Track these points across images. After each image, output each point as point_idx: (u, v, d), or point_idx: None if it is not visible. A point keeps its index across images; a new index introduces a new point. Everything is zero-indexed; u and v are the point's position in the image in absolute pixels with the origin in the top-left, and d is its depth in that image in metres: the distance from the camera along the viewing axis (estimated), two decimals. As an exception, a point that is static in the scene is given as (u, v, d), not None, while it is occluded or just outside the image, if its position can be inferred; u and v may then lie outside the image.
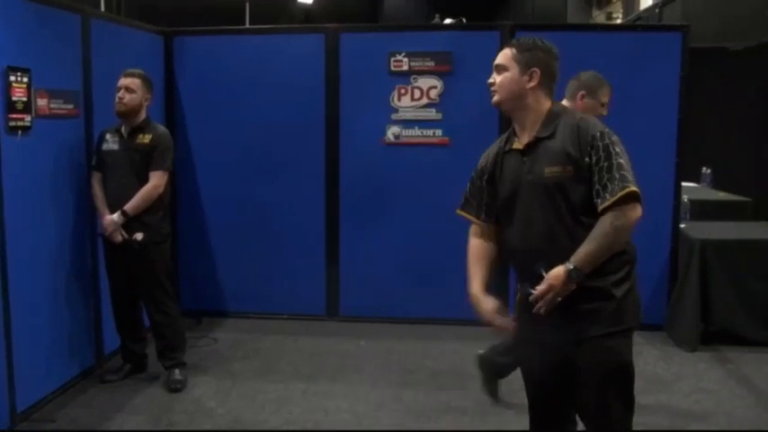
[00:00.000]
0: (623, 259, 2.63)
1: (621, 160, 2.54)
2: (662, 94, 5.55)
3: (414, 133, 5.80)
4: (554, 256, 2.56)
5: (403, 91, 5.77)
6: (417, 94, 5.77)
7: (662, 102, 5.55)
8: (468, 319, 6.04)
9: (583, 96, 3.98)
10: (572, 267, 2.50)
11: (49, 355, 4.36)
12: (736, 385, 4.68)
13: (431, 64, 5.74)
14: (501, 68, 2.73)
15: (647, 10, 11.99)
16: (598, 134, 2.57)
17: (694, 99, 5.74)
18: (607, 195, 2.51)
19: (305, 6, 18.63)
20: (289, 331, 5.77)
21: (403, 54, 5.75)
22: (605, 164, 2.53)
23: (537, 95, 2.70)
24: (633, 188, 2.50)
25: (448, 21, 7.04)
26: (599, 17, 16.80)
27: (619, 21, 15.06)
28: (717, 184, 7.75)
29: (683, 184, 5.85)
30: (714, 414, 4.25)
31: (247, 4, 15.85)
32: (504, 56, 2.73)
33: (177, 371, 4.65)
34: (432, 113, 5.77)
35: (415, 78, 5.76)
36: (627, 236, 2.61)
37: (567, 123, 2.64)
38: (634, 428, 2.75)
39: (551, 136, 2.64)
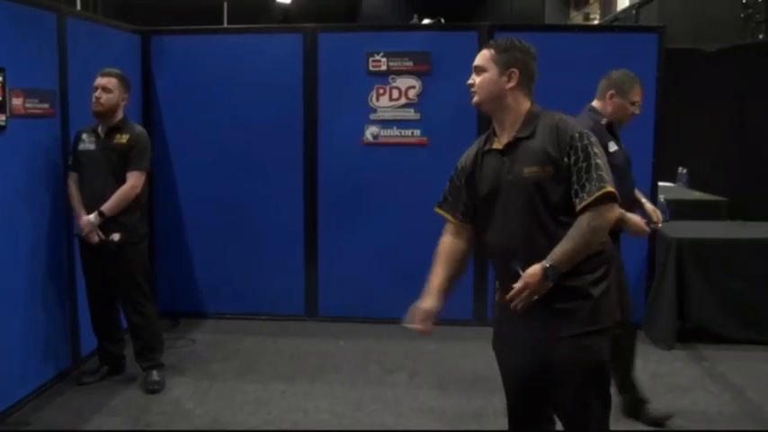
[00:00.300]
0: (600, 259, 2.65)
1: (599, 161, 2.56)
2: (639, 95, 5.59)
3: (392, 133, 5.80)
4: (532, 256, 2.58)
5: (381, 91, 5.78)
6: (396, 94, 5.77)
7: (639, 102, 5.59)
8: (448, 319, 6.05)
9: (612, 96, 3.92)
10: (548, 266, 2.52)
11: (25, 357, 4.32)
12: (711, 383, 4.72)
13: (409, 64, 5.75)
14: (480, 69, 2.75)
15: (624, 11, 12.10)
16: (577, 135, 2.59)
17: (670, 99, 5.79)
18: (585, 195, 2.54)
19: (283, 6, 18.58)
20: (267, 332, 5.75)
21: (381, 54, 5.75)
22: (584, 164, 2.55)
23: (516, 96, 2.72)
24: (610, 188, 2.53)
25: (426, 21, 7.05)
26: (576, 18, 16.92)
27: (596, 21, 15.17)
28: (692, 183, 7.84)
29: (660, 183, 5.89)
30: (690, 412, 4.28)
31: (225, 4, 15.80)
32: (483, 57, 2.75)
33: (155, 372, 4.62)
34: (410, 113, 5.78)
35: (393, 78, 5.76)
36: (604, 236, 2.63)
37: (546, 124, 2.66)
38: (611, 427, 2.77)
39: (531, 136, 2.66)
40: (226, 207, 5.99)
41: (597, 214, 2.53)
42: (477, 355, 5.12)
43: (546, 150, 2.60)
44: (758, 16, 8.28)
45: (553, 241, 2.58)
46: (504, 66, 2.70)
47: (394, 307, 5.84)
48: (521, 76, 2.70)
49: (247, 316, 6.02)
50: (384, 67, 5.76)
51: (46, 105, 4.47)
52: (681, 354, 5.24)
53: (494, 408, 4.21)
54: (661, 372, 4.92)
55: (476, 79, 2.76)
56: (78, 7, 12.04)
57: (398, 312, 6.03)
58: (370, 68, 5.77)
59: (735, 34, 8.78)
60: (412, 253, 5.81)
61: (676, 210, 6.32)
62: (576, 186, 2.56)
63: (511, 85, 2.70)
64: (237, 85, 5.87)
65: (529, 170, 2.62)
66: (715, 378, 4.81)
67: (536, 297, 2.56)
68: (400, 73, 5.76)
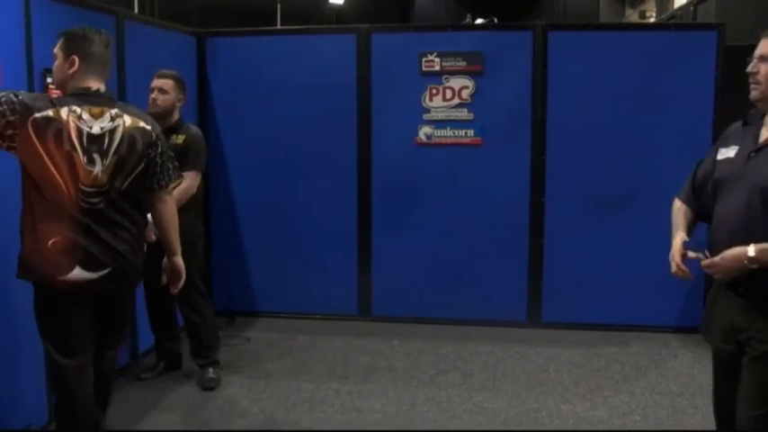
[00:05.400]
0: None
1: None
2: (697, 94, 5.47)
3: (446, 133, 5.78)
4: None
5: (435, 91, 5.76)
6: (449, 94, 5.75)
7: (697, 101, 5.47)
8: (500, 320, 6.04)
9: None
10: None
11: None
12: None
13: (462, 64, 5.72)
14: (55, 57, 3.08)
15: (681, 8, 11.87)
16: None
17: (730, 99, 5.64)
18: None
19: (336, 7, 18.69)
20: (321, 331, 5.78)
21: (434, 54, 5.73)
22: None
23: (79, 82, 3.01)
24: None
25: (479, 21, 7.01)
26: (632, 16, 16.65)
27: (652, 19, 14.92)
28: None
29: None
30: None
31: (279, 5, 15.95)
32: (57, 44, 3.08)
33: (211, 369, 4.68)
34: (464, 113, 5.75)
35: (446, 78, 5.74)
36: None
37: None
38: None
39: None
40: (280, 207, 6.04)
41: None
42: (530, 356, 5.08)
43: None
44: (824, 10, 8.05)
45: None
46: (66, 52, 3.01)
47: (447, 307, 5.92)
48: (81, 62, 3.00)
49: (301, 315, 6.06)
50: (437, 68, 5.74)
51: (105, 107, 4.55)
52: (741, 358, 5.11)
53: (548, 410, 4.18)
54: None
55: None
56: (136, 10, 12.26)
57: (451, 313, 6.08)
58: (424, 69, 5.76)
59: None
60: (465, 254, 5.83)
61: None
62: None
63: (72, 71, 3.00)
64: (291, 86, 5.90)
65: None
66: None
67: None
68: (453, 73, 5.73)
